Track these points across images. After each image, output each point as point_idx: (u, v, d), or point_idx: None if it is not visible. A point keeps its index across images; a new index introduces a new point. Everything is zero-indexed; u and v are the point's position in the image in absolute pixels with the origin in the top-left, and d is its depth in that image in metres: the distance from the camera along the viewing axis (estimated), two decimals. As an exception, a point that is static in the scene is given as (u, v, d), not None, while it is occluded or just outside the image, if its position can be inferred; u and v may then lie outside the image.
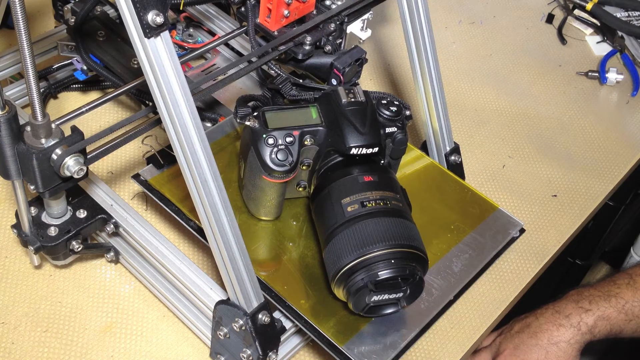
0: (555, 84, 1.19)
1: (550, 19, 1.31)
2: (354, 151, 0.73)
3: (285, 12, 0.77)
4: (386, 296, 0.69)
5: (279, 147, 0.73)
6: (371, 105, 0.76)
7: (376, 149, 0.74)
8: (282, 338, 0.74)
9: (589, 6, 1.27)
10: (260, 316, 0.69)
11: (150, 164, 0.81)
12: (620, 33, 1.26)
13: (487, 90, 1.16)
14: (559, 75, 1.21)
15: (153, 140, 0.86)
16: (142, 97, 0.92)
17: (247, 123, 0.74)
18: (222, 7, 1.03)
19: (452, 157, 0.91)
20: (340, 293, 0.70)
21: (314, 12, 0.81)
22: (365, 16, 0.86)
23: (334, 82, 0.82)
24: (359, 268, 0.67)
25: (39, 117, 0.65)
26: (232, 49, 1.01)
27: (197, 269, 0.75)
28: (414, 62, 0.87)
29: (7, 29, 1.06)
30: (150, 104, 0.86)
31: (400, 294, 0.69)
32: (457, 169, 0.92)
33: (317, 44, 0.80)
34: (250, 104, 0.81)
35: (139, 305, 0.81)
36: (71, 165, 0.66)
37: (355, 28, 0.86)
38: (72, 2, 0.93)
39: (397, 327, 0.72)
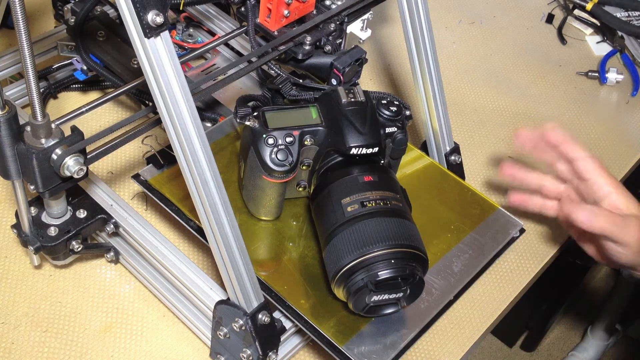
0: (555, 84, 1.19)
1: (550, 19, 1.31)
2: (354, 151, 0.73)
3: (285, 12, 0.77)
4: (386, 296, 0.69)
5: (279, 147, 0.73)
6: (371, 105, 0.76)
7: (376, 149, 0.74)
8: (282, 338, 0.74)
9: (589, 6, 1.27)
10: (260, 316, 0.69)
11: (150, 164, 0.81)
12: (620, 33, 1.26)
13: (487, 90, 1.16)
14: (559, 75, 1.21)
15: (153, 140, 0.86)
16: (142, 97, 0.92)
17: (247, 123, 0.74)
18: (222, 7, 1.03)
19: (452, 157, 0.91)
20: (340, 293, 0.70)
21: (314, 12, 0.81)
22: (365, 16, 0.86)
23: (334, 82, 0.81)
24: (359, 268, 0.67)
25: (39, 117, 0.65)
26: (232, 49, 1.01)
27: (197, 269, 0.75)
28: (414, 62, 0.87)
29: (7, 29, 1.06)
30: (150, 104, 0.86)
31: (400, 294, 0.69)
32: (457, 169, 0.92)
33: (317, 44, 0.80)
34: (250, 104, 0.81)
35: (139, 305, 0.81)
36: (71, 165, 0.66)
37: (355, 28, 0.86)
38: (72, 2, 0.93)
39: (397, 327, 0.72)
